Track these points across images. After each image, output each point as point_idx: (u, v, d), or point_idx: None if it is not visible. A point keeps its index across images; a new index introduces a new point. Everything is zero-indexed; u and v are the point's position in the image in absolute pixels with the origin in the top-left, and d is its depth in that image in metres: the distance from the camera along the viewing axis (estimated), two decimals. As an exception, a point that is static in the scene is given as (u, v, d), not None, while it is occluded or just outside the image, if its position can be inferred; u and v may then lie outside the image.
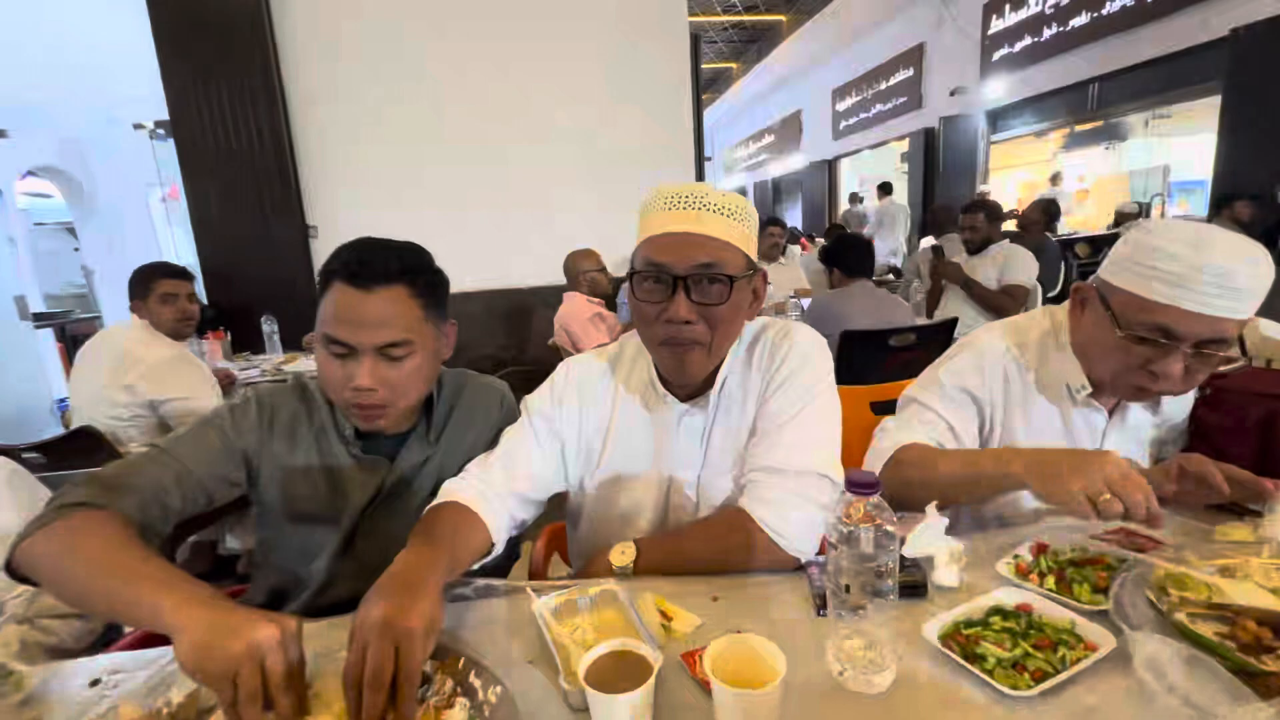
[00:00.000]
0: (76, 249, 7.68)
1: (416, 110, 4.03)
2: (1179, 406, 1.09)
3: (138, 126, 4.37)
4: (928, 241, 4.40)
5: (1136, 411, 1.06)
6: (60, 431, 1.93)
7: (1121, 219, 6.58)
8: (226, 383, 2.49)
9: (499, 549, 0.94)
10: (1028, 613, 0.73)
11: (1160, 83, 6.29)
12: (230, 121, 3.73)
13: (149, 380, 1.94)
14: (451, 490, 0.93)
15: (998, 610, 0.74)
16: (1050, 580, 0.80)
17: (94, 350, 2.08)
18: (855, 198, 10.64)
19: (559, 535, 1.31)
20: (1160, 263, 0.87)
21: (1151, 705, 0.57)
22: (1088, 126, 8.29)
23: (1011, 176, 9.88)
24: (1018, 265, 3.00)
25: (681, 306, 0.88)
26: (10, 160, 4.88)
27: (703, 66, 6.59)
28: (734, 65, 14.84)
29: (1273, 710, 0.50)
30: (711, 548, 0.91)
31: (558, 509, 1.19)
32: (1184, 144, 8.01)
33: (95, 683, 0.76)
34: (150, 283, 2.07)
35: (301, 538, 1.03)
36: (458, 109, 4.08)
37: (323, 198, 4.01)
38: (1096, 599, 0.76)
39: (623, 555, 0.91)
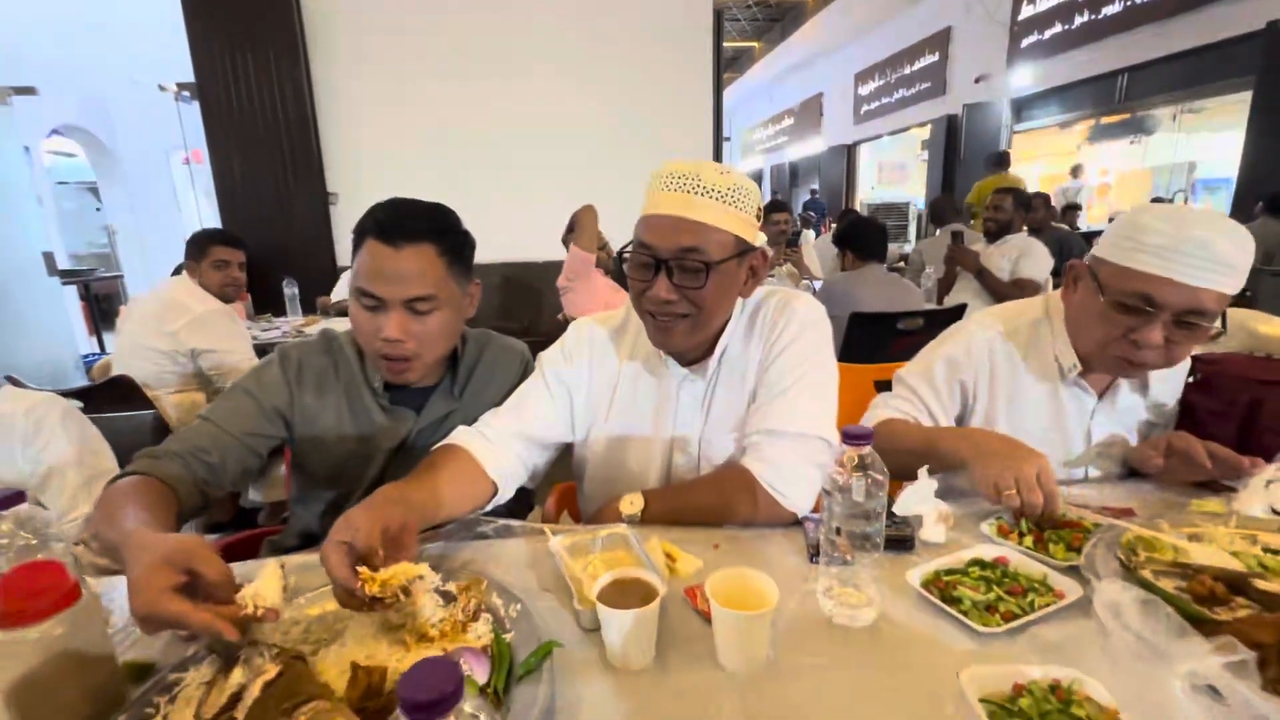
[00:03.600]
0: (98, 208, 7.80)
1: (437, 82, 4.06)
2: (1168, 391, 1.13)
3: (163, 89, 4.41)
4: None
5: (1126, 395, 1.11)
6: (87, 382, 2.04)
7: None
8: None
9: (504, 488, 1.00)
10: (1003, 565, 0.80)
11: (1191, 76, 6.16)
12: (256, 87, 3.78)
13: (192, 330, 2.06)
14: (454, 436, 1.01)
15: (976, 562, 0.81)
16: (1029, 540, 0.86)
17: (143, 302, 2.20)
18: None
19: (569, 494, 1.38)
20: (1146, 236, 0.93)
21: (1106, 641, 0.63)
22: (1114, 119, 8.14)
23: (1034, 168, 9.73)
24: (1032, 259, 2.99)
25: (661, 287, 0.94)
26: (37, 118, 4.95)
27: (725, 45, 6.51)
28: (756, 44, 14.62)
29: (1208, 645, 0.56)
30: (715, 501, 0.97)
31: (569, 469, 1.26)
32: (1211, 140, 7.86)
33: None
34: (206, 247, 2.20)
35: (333, 483, 1.11)
36: (477, 82, 4.10)
37: (343, 165, 4.07)
38: (1070, 556, 0.81)
39: (631, 505, 0.98)
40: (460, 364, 1.13)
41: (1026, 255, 2.98)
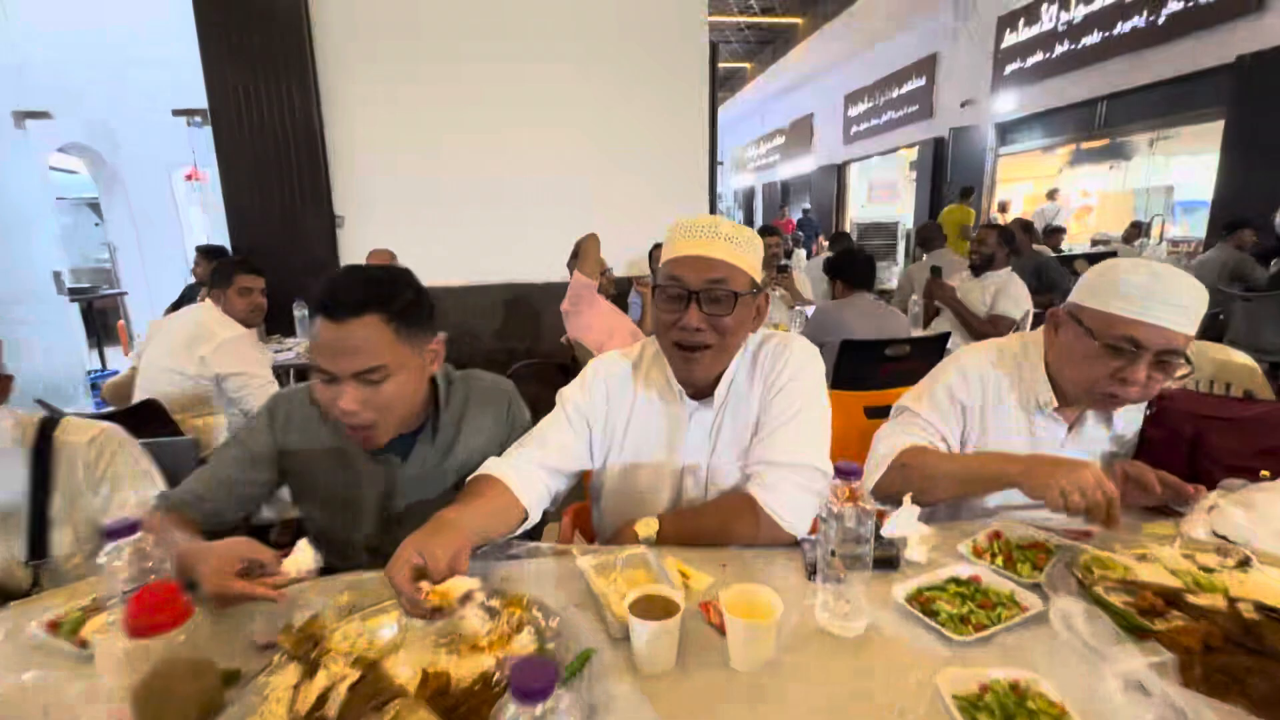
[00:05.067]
0: (97, 224, 7.86)
1: (441, 108, 4.19)
2: (1130, 425, 1.26)
3: (177, 113, 4.52)
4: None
5: (1092, 427, 1.23)
6: (92, 399, 2.13)
7: (1130, 236, 6.92)
8: None
9: (534, 514, 1.11)
10: (977, 582, 0.91)
11: (1166, 104, 6.44)
12: (267, 113, 3.89)
13: (220, 355, 2.17)
14: (488, 465, 1.11)
15: (953, 579, 0.92)
16: (1000, 559, 0.98)
17: (166, 327, 2.29)
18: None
19: (583, 513, 1.48)
20: (1128, 289, 1.07)
21: (1059, 645, 0.75)
22: (1094, 144, 8.42)
23: (1017, 190, 10.02)
24: (1010, 297, 3.08)
25: (694, 316, 1.07)
26: (47, 139, 5.04)
27: (717, 66, 6.73)
28: (748, 65, 14.93)
29: (1136, 648, 0.68)
30: (723, 525, 1.09)
31: (581, 490, 1.36)
32: (1188, 164, 8.15)
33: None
34: (232, 275, 2.30)
35: (333, 520, 1.19)
36: (480, 108, 4.24)
37: (349, 189, 4.18)
38: (1034, 574, 0.93)
39: (647, 527, 1.09)
40: (443, 412, 1.17)
41: (1005, 292, 3.08)
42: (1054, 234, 7.04)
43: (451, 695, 0.70)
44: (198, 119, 4.43)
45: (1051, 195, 8.51)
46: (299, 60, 3.89)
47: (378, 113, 4.13)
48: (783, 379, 1.14)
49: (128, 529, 0.72)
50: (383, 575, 0.83)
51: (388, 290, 1.03)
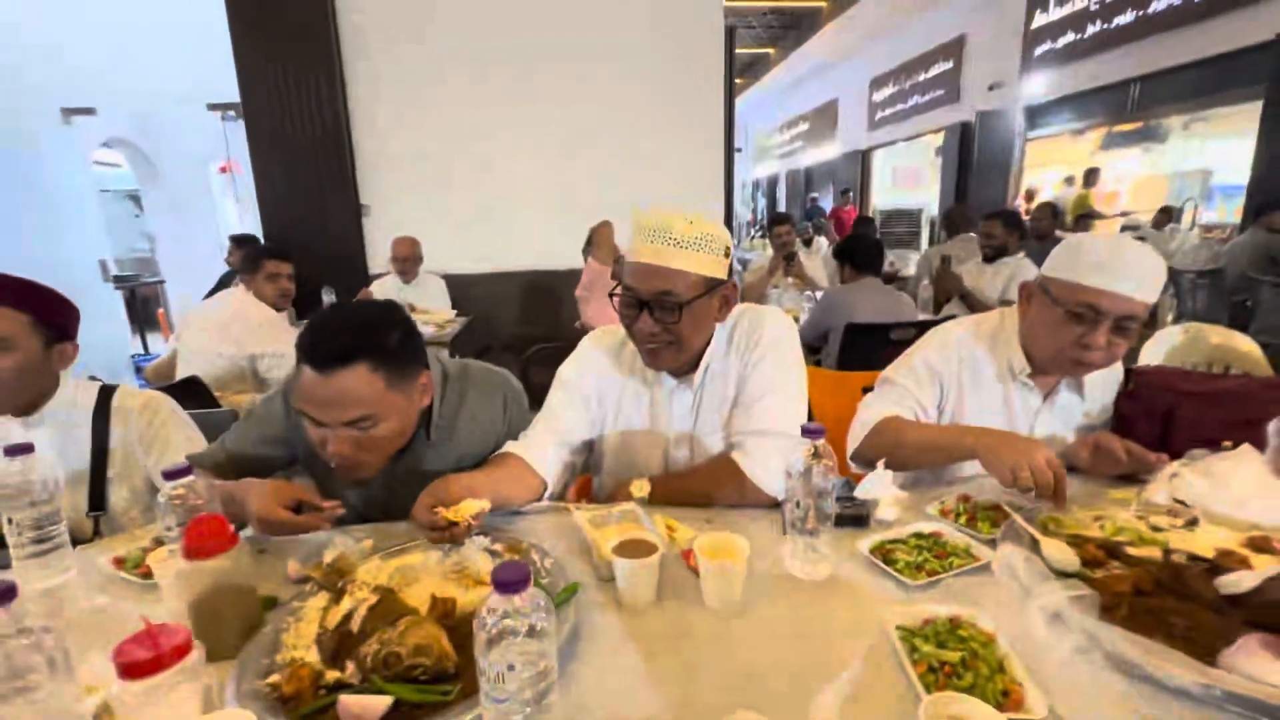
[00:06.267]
0: (138, 215, 8.22)
1: (462, 100, 4.30)
2: (1102, 397, 1.32)
3: (212, 108, 4.72)
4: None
5: (1065, 397, 1.29)
6: (136, 382, 2.31)
7: (1160, 222, 6.77)
8: None
9: (553, 486, 1.23)
10: (938, 536, 0.99)
11: (1202, 85, 6.23)
12: (296, 105, 4.05)
13: (251, 337, 2.32)
14: (506, 446, 1.22)
15: (916, 534, 1.00)
16: (964, 519, 1.06)
17: (203, 312, 2.46)
18: None
19: (588, 484, 1.59)
20: (1090, 258, 1.14)
21: (998, 587, 0.83)
22: (1127, 127, 8.19)
23: (1046, 175, 9.78)
24: (1021, 282, 3.09)
25: (645, 323, 1.15)
26: (92, 134, 5.30)
27: (740, 51, 6.70)
28: (771, 50, 14.74)
29: (1060, 585, 0.76)
30: (709, 487, 1.19)
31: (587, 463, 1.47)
32: (1229, 147, 7.86)
33: (262, 551, 1.07)
34: (260, 262, 2.45)
35: (345, 498, 1.23)
36: (502, 98, 4.33)
37: (375, 179, 4.33)
38: (994, 532, 1.00)
39: (640, 489, 1.19)
40: (439, 411, 1.20)
41: (1016, 279, 3.08)
42: (1084, 219, 6.88)
43: (454, 617, 0.81)
44: (231, 113, 4.61)
45: (1069, 181, 8.31)
46: (325, 53, 4.02)
47: (401, 104, 4.26)
48: (757, 354, 1.22)
49: (182, 471, 0.85)
50: (404, 524, 0.95)
51: (375, 336, 1.01)
